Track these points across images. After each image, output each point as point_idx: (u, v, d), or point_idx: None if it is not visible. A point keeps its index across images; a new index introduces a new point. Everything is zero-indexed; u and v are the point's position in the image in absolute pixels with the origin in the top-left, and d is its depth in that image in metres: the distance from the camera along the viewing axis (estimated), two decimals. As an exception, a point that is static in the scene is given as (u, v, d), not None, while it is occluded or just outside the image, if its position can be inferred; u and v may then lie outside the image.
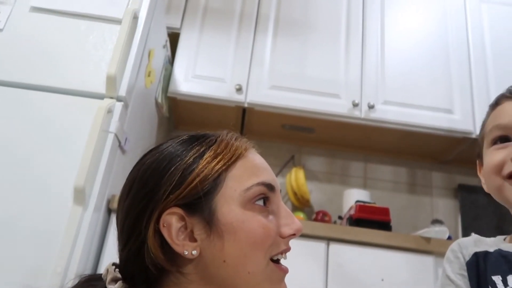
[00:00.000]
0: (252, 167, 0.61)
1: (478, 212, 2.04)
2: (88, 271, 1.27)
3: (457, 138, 1.93)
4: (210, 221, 0.57)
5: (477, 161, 0.78)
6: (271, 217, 0.60)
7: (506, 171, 0.66)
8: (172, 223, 0.57)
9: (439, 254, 1.44)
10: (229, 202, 0.58)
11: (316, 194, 2.12)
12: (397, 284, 1.39)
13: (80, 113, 1.33)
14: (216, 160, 0.59)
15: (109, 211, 1.38)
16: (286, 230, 0.61)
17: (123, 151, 1.44)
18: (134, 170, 0.63)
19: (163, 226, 0.57)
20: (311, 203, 2.08)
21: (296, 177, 2.02)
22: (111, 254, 1.31)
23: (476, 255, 0.72)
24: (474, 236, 0.76)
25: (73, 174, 1.22)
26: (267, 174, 0.62)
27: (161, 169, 0.59)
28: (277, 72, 1.97)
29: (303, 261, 1.39)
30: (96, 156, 1.27)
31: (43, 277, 1.15)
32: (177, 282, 0.59)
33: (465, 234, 1.99)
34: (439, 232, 1.50)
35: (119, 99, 1.37)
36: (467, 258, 0.73)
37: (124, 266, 0.61)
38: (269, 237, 0.59)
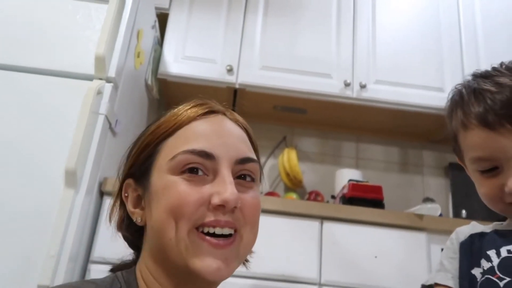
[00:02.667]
0: (189, 135, 0.60)
1: (469, 190, 2.05)
2: (81, 255, 1.26)
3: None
4: (147, 190, 0.61)
5: (456, 155, 0.78)
6: (207, 186, 0.57)
7: (508, 201, 0.66)
8: (128, 193, 0.64)
9: (432, 230, 1.45)
10: (160, 171, 0.60)
11: (309, 175, 2.12)
12: (390, 261, 1.41)
13: (69, 94, 1.30)
14: (158, 131, 0.62)
15: (101, 193, 1.36)
16: (213, 199, 0.56)
17: (114, 133, 1.42)
18: None
19: (125, 196, 0.64)
20: (304, 184, 2.09)
21: (289, 158, 2.02)
22: (104, 237, 1.30)
23: (471, 236, 0.75)
24: (472, 223, 0.78)
25: (64, 157, 1.20)
26: (203, 141, 0.59)
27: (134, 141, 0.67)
28: (268, 52, 1.95)
29: (297, 240, 1.40)
30: (87, 138, 1.25)
31: (36, 260, 1.14)
32: (146, 250, 0.63)
33: (456, 211, 2.02)
34: (431, 209, 1.51)
35: (108, 80, 1.35)
36: (462, 239, 0.76)
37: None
38: (186, 205, 0.55)
